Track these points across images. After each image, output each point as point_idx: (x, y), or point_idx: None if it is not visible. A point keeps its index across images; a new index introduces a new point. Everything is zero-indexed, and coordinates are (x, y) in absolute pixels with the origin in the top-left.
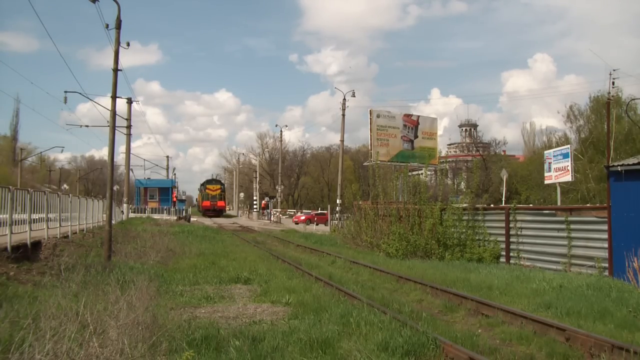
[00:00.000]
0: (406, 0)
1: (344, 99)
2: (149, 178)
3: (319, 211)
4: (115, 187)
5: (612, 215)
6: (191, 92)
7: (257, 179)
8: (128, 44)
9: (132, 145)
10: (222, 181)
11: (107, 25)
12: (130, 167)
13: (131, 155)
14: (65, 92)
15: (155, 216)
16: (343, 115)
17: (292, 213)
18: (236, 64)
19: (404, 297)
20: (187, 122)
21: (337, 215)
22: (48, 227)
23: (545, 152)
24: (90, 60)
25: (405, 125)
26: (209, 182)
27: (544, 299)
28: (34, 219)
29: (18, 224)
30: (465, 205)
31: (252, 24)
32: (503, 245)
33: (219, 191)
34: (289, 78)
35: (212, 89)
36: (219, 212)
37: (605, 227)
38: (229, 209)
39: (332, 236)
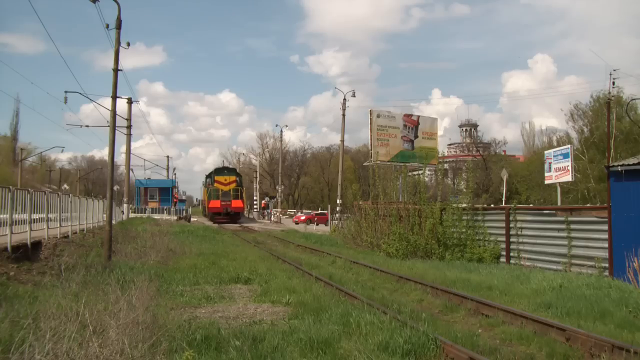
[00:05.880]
0: (409, 3)
1: (344, 99)
2: (149, 178)
3: (319, 211)
4: (116, 187)
5: (612, 215)
6: (194, 92)
7: (258, 179)
8: (128, 44)
9: (133, 145)
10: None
11: (108, 26)
12: (131, 167)
13: (132, 155)
14: (66, 92)
15: (156, 216)
16: (343, 115)
17: (292, 213)
18: (238, 64)
19: (404, 297)
20: (190, 123)
21: (337, 215)
22: (48, 227)
23: (546, 152)
24: (95, 61)
25: (405, 125)
26: (219, 171)
27: (544, 299)
28: (34, 219)
29: (18, 224)
30: (465, 205)
31: (254, 25)
32: (503, 245)
33: (234, 184)
34: (290, 79)
35: (215, 90)
36: (234, 218)
37: (606, 227)
38: None
39: (333, 236)
